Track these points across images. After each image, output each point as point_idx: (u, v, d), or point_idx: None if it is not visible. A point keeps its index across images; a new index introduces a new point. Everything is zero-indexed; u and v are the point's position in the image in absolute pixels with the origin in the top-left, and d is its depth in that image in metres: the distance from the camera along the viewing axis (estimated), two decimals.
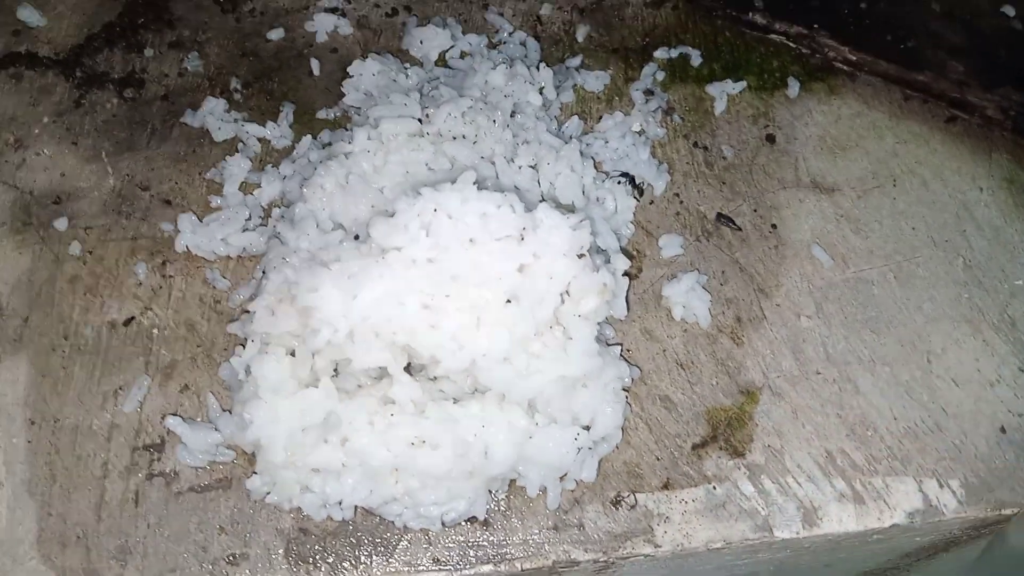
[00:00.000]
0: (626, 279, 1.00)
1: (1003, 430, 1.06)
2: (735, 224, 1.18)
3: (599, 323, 0.97)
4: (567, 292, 0.93)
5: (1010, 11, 1.27)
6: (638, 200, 1.17)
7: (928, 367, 1.10)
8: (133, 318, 1.07)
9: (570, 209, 1.07)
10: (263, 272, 1.04)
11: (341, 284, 0.89)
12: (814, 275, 1.15)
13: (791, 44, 1.28)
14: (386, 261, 0.90)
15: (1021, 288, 1.16)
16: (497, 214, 0.90)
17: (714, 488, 1.01)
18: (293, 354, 0.95)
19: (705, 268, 1.14)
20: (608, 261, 1.00)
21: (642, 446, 1.03)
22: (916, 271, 1.17)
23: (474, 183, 0.90)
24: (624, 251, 1.11)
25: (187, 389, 1.03)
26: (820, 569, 1.10)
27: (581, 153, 1.12)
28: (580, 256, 0.92)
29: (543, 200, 1.08)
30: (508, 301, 0.90)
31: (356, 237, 0.95)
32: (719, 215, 1.18)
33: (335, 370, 0.96)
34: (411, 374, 0.94)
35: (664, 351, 1.09)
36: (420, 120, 1.09)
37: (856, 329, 1.12)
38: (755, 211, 1.19)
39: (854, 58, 1.24)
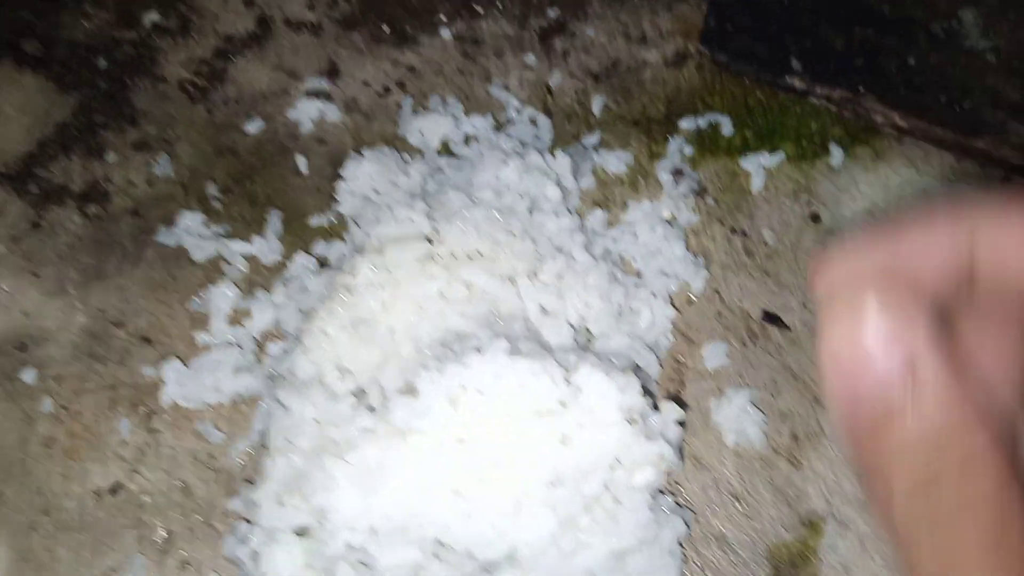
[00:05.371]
0: (680, 428, 0.88)
1: None
2: (783, 323, 1.06)
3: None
4: (618, 460, 0.82)
5: None
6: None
7: None
8: (121, 484, 0.95)
9: (602, 336, 0.95)
10: (263, 431, 0.91)
11: (359, 480, 0.77)
12: None
13: (832, 107, 1.14)
14: (409, 445, 0.78)
15: None
16: (535, 385, 0.78)
17: None
18: (304, 533, 0.83)
19: (755, 378, 1.03)
20: (655, 406, 0.88)
21: None
22: None
23: (505, 351, 0.78)
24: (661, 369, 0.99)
25: (188, 567, 0.92)
26: None
27: (614, 275, 0.99)
28: (631, 422, 0.80)
29: (571, 325, 0.96)
30: (552, 483, 0.78)
31: (372, 409, 0.82)
32: (765, 313, 1.06)
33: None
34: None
35: (716, 481, 0.98)
36: (429, 239, 0.96)
37: None
38: (804, 305, 1.07)
39: (905, 125, 1.11)
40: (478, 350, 0.79)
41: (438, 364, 0.78)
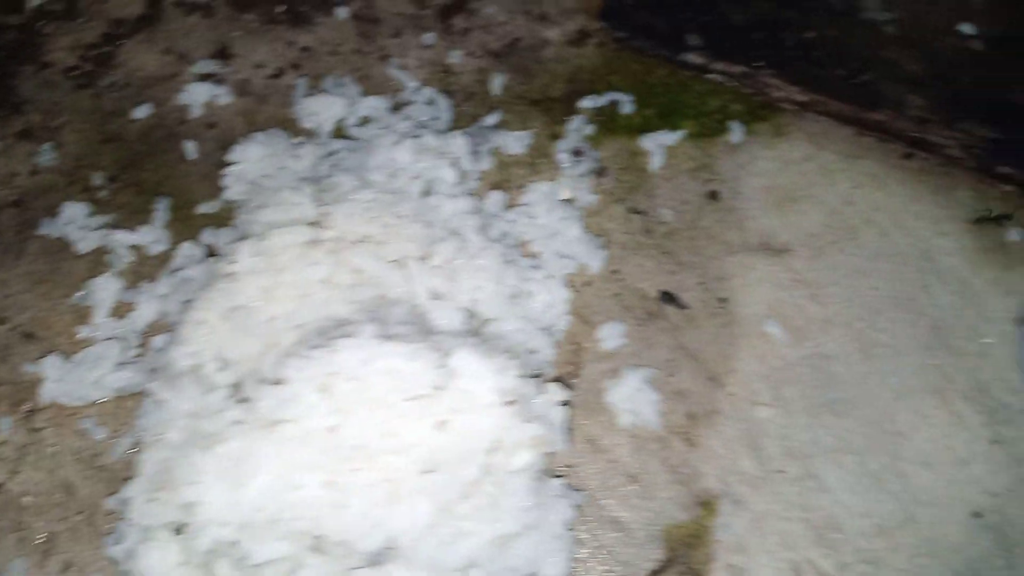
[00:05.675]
0: (565, 408, 0.87)
1: (977, 515, 0.99)
2: (680, 302, 1.06)
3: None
4: (496, 443, 0.81)
5: (968, 29, 1.15)
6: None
7: (896, 451, 1.01)
8: (0, 485, 0.93)
9: (494, 320, 0.94)
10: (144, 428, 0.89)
11: (226, 472, 0.75)
12: (769, 354, 1.04)
13: (731, 83, 1.14)
14: (276, 436, 0.76)
15: (991, 347, 1.07)
16: (408, 369, 0.77)
17: None
18: (182, 530, 0.82)
19: (651, 358, 1.02)
20: (540, 390, 0.87)
21: None
22: (879, 338, 1.06)
23: (376, 335, 0.76)
24: (558, 351, 0.98)
25: (70, 568, 0.90)
26: None
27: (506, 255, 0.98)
28: (508, 403, 0.80)
29: (463, 309, 0.95)
30: (427, 471, 0.77)
31: (245, 400, 0.81)
32: (662, 293, 1.06)
33: None
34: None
35: (611, 463, 0.98)
36: (316, 224, 0.94)
37: (818, 414, 1.02)
38: (701, 284, 1.07)
39: (804, 99, 1.10)
40: (350, 336, 0.77)
41: (307, 351, 0.76)
